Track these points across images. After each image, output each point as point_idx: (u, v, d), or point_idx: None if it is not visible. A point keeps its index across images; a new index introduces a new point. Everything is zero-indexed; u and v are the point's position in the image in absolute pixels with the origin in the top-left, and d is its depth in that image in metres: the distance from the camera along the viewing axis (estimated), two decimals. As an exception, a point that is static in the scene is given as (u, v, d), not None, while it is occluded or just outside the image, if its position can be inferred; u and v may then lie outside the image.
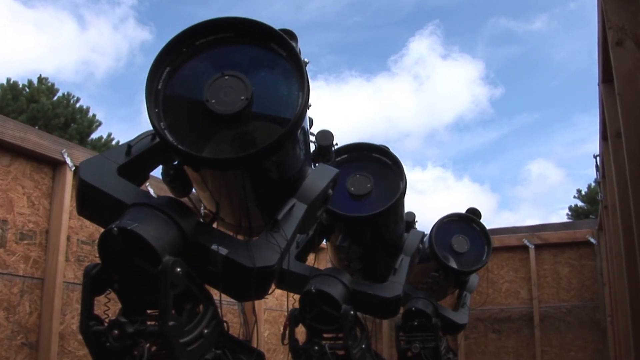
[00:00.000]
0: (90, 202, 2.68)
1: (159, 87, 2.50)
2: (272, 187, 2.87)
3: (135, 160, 2.82)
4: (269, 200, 2.89)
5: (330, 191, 3.13)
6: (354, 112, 51.43)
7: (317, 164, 3.28)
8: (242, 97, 2.44)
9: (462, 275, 6.45)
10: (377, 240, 4.48)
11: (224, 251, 2.43)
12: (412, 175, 47.13)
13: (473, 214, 6.63)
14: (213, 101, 2.43)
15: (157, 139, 2.85)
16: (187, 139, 2.43)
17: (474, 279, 7.00)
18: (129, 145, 2.84)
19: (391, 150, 4.46)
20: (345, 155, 4.38)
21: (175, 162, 2.72)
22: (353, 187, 4.27)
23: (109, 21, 44.19)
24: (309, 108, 3.00)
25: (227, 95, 2.44)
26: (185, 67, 2.57)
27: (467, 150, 58.98)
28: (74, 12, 44.04)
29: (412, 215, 5.14)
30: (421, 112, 54.64)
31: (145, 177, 2.96)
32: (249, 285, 2.49)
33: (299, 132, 2.75)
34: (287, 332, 3.88)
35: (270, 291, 2.70)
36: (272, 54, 2.60)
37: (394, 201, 4.22)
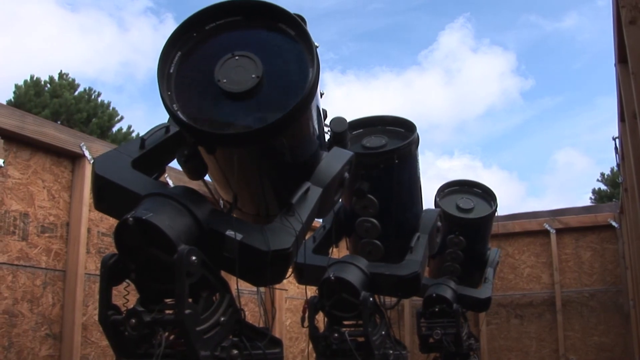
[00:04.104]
0: (107, 195, 2.71)
1: (171, 71, 2.54)
2: (287, 171, 2.87)
3: (149, 153, 2.85)
4: (284, 184, 2.90)
5: (346, 174, 3.12)
6: (385, 106, 51.69)
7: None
8: (253, 75, 2.47)
9: (478, 223, 6.29)
10: (393, 194, 4.43)
11: (239, 236, 2.44)
12: (440, 164, 47.13)
13: None
14: (224, 81, 2.46)
15: (171, 132, 2.89)
16: (200, 119, 2.47)
17: (494, 254, 6.92)
18: (142, 139, 2.87)
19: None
20: (361, 130, 4.51)
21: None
22: (368, 143, 4.39)
23: (149, 22, 44.75)
24: (322, 96, 3.01)
25: (238, 74, 2.47)
26: (195, 51, 2.61)
27: (491, 135, 58.64)
28: (113, 15, 44.63)
29: None
30: (451, 104, 54.77)
31: (160, 169, 2.98)
32: (265, 270, 2.50)
33: (312, 112, 2.76)
34: (306, 315, 3.89)
35: (287, 275, 2.71)
36: (281, 34, 2.62)
37: (408, 141, 4.29)
